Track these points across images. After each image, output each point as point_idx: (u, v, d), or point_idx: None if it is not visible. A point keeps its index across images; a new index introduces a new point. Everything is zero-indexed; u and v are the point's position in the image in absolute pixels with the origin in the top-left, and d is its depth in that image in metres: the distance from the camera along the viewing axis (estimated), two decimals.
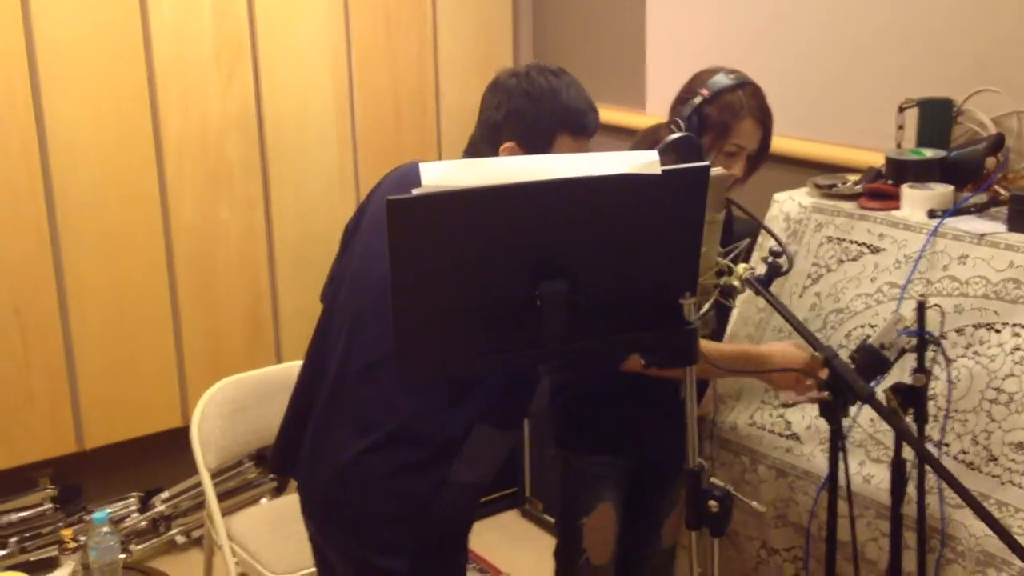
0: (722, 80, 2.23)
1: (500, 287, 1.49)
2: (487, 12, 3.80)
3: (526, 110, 2.02)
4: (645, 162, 1.43)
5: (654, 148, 2.09)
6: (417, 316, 1.48)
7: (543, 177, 1.42)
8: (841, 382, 1.65)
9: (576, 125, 2.04)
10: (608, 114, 3.54)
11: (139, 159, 3.19)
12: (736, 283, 1.72)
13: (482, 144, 2.08)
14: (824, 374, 1.74)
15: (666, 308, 1.55)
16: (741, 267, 1.71)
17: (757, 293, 1.71)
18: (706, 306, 1.73)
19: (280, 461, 2.20)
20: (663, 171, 1.45)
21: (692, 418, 1.63)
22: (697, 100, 2.22)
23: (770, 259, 1.76)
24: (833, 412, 1.70)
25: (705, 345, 2.15)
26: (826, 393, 1.70)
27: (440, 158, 3.76)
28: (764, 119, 2.25)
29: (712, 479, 1.65)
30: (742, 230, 2.52)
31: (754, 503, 1.69)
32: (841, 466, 2.00)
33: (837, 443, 1.72)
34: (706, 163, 1.51)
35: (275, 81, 3.38)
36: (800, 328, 1.69)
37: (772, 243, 2.04)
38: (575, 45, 3.80)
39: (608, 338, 1.55)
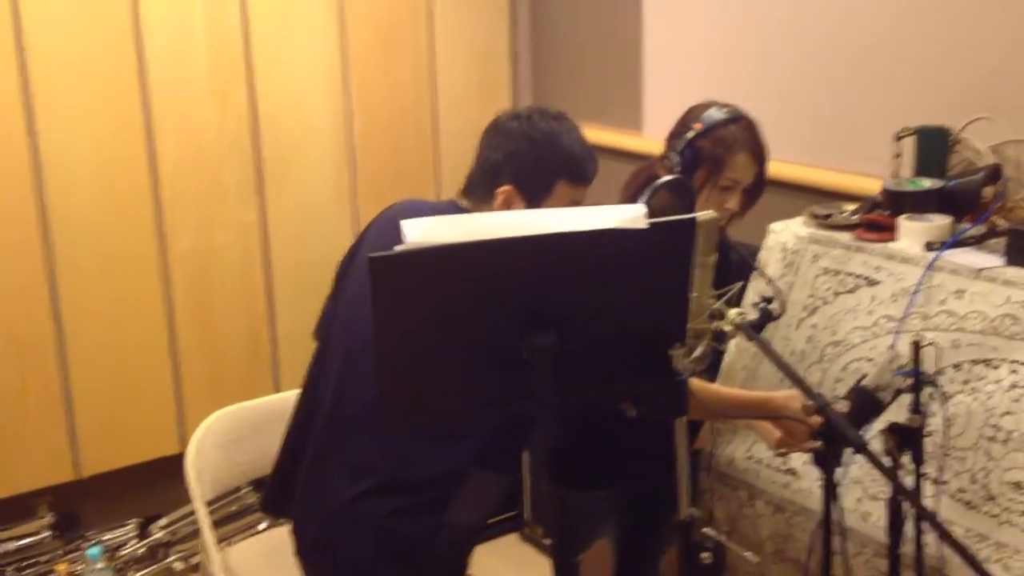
0: (715, 114, 2.22)
1: (487, 340, 1.48)
2: (484, 32, 3.79)
3: (526, 154, 2.02)
4: (631, 216, 1.42)
5: (648, 184, 2.10)
6: (402, 368, 1.47)
7: (528, 232, 1.41)
8: (834, 430, 1.64)
9: (575, 173, 2.04)
10: (605, 136, 3.56)
11: (135, 185, 3.18)
12: (728, 328, 1.70)
13: (480, 185, 2.07)
14: (816, 422, 1.72)
15: (656, 358, 1.54)
16: (733, 312, 1.69)
17: (749, 339, 1.70)
18: (698, 351, 1.71)
19: (272, 502, 2.19)
20: (650, 224, 1.43)
21: (683, 468, 1.62)
22: (690, 135, 2.21)
23: (761, 305, 1.74)
24: (826, 461, 1.68)
25: (703, 388, 2.14)
26: (819, 443, 1.69)
27: (439, 179, 3.76)
28: (758, 152, 2.24)
29: (704, 530, 1.63)
30: (739, 259, 2.51)
31: (747, 553, 1.68)
32: (836, 505, 1.99)
33: (830, 493, 1.71)
34: (692, 216, 1.50)
35: (271, 105, 3.37)
36: (792, 375, 1.67)
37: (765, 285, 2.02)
38: (573, 66, 3.79)
39: (597, 389, 1.54)
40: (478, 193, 2.07)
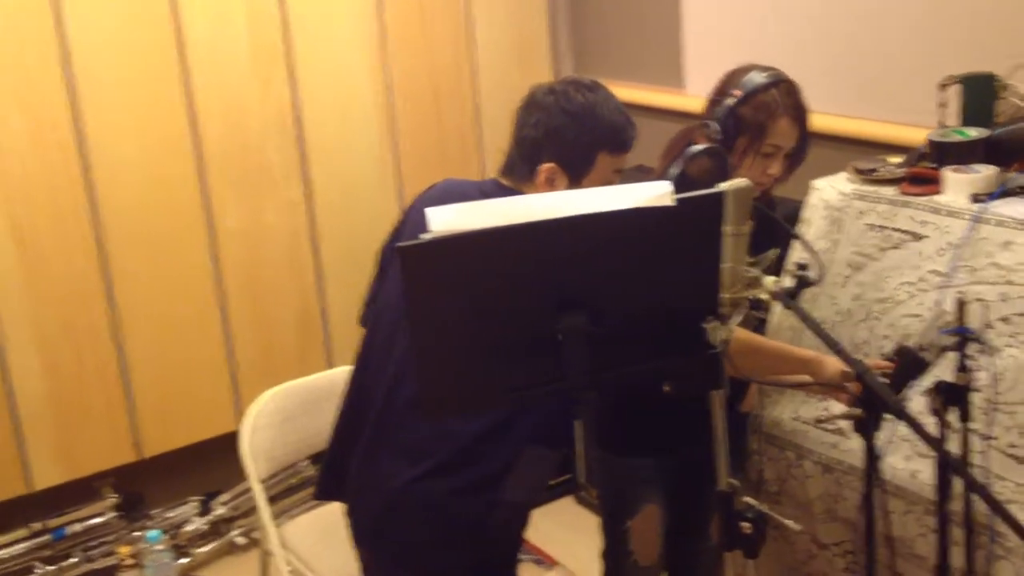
0: (755, 79, 2.18)
1: (519, 323, 1.48)
2: None
3: (566, 129, 1.99)
4: (658, 193, 1.41)
5: (686, 150, 2.08)
6: (438, 356, 1.48)
7: (555, 215, 1.40)
8: (874, 397, 1.62)
9: (616, 143, 2.02)
10: (646, 95, 3.53)
11: (181, 168, 3.23)
12: (765, 296, 1.69)
13: (520, 163, 2.05)
14: (856, 388, 1.71)
15: (689, 333, 1.53)
16: (769, 280, 1.68)
17: (786, 306, 1.68)
18: (735, 319, 1.70)
19: (327, 487, 2.21)
20: (676, 200, 1.42)
21: (721, 440, 1.61)
22: (731, 101, 2.17)
23: (798, 272, 1.72)
24: (866, 428, 1.66)
25: (751, 338, 2.12)
26: (859, 410, 1.67)
27: (482, 151, 3.76)
28: (800, 117, 2.20)
29: (746, 498, 1.63)
30: (786, 212, 2.48)
31: (788, 521, 1.67)
32: (884, 464, 1.98)
33: (872, 462, 1.69)
34: (719, 190, 1.48)
35: (312, 82, 3.39)
36: (830, 341, 1.65)
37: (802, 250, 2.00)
38: (611, 24, 3.75)
39: (632, 367, 1.54)
40: (519, 172, 2.04)
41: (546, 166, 2.00)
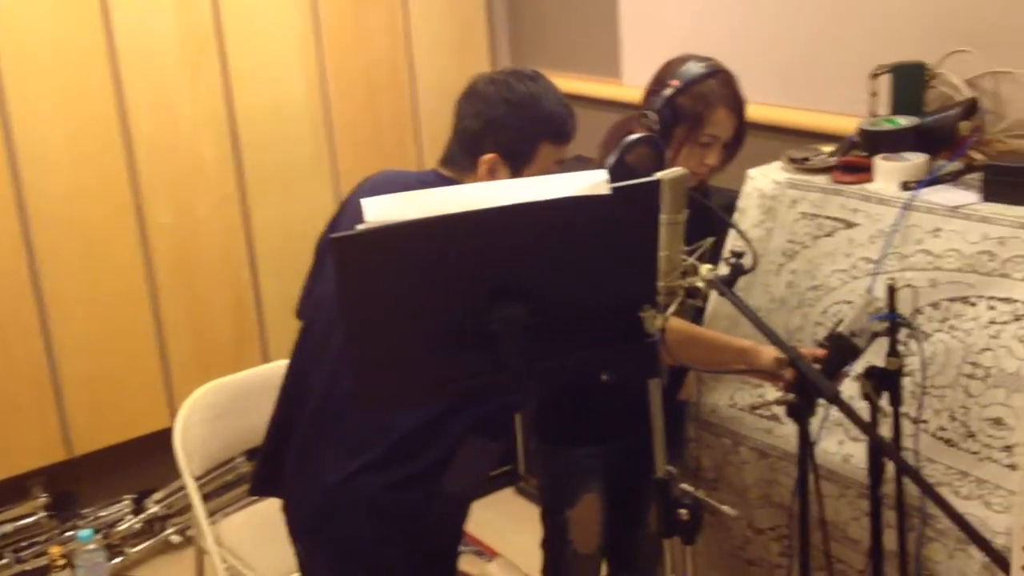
0: (693, 69, 2.19)
1: (456, 315, 1.47)
2: None
3: (507, 119, 1.99)
4: (594, 183, 1.41)
5: (623, 140, 2.08)
6: (373, 349, 1.46)
7: (490, 204, 1.39)
8: (807, 383, 1.64)
9: (558, 133, 2.02)
10: (585, 85, 3.53)
11: (111, 161, 3.16)
12: (700, 284, 1.70)
13: (460, 154, 2.04)
14: (790, 375, 1.73)
15: (626, 321, 1.53)
16: (704, 268, 1.69)
17: (721, 294, 1.69)
18: (671, 307, 1.71)
19: (263, 483, 2.19)
20: (612, 189, 1.42)
21: (659, 428, 1.62)
22: (668, 91, 2.18)
23: (733, 260, 1.74)
24: (800, 413, 1.68)
25: (688, 328, 2.14)
26: (791, 396, 1.69)
27: (419, 140, 3.74)
28: (737, 107, 2.22)
29: (682, 486, 1.64)
30: (723, 202, 2.50)
31: (725, 508, 1.69)
32: (821, 445, 2.00)
33: (805, 446, 1.71)
34: (655, 179, 1.48)
35: (244, 73, 3.34)
36: (764, 329, 1.67)
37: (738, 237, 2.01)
38: (549, 15, 3.75)
39: (570, 356, 1.54)
40: (460, 163, 2.03)
41: (487, 156, 1.99)
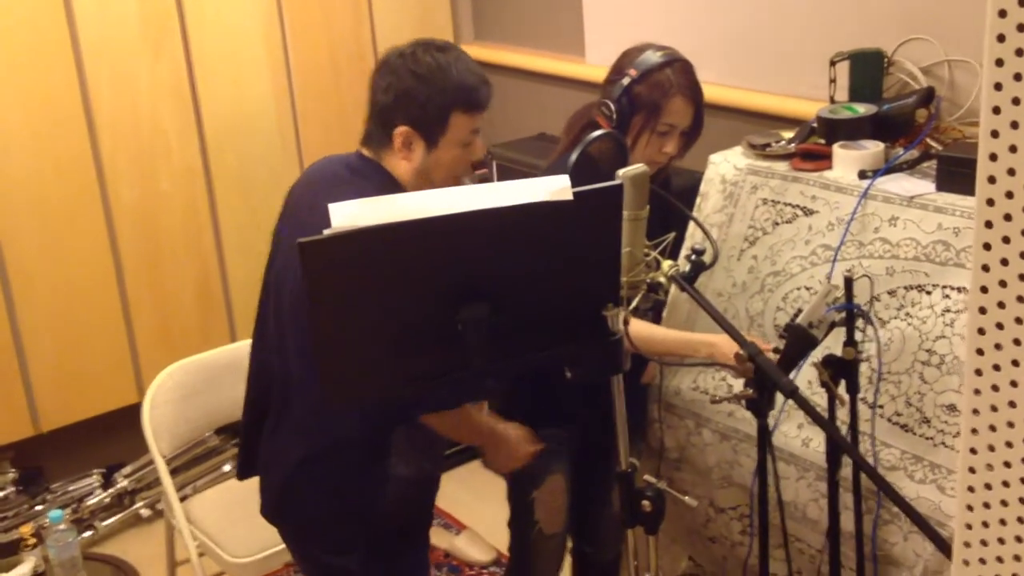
0: (650, 58, 2.21)
1: (421, 315, 1.50)
2: None
3: (415, 91, 1.96)
4: (557, 188, 1.44)
5: (585, 131, 2.10)
6: (339, 347, 1.49)
7: (455, 210, 1.42)
8: (765, 378, 1.68)
9: (470, 102, 1.99)
10: (549, 63, 3.54)
11: (73, 139, 3.15)
12: (662, 279, 1.73)
13: (377, 131, 2.02)
14: (748, 369, 1.77)
15: (590, 319, 1.57)
16: (666, 264, 1.73)
17: (682, 290, 1.73)
18: (635, 301, 1.75)
19: (244, 465, 2.22)
20: (575, 193, 1.45)
21: (622, 422, 1.66)
22: (626, 81, 2.20)
23: (693, 256, 1.77)
24: (759, 408, 1.73)
25: (646, 328, 2.18)
26: (750, 391, 1.73)
27: None
28: (695, 96, 2.24)
29: (645, 477, 1.68)
30: (681, 185, 2.53)
31: (686, 498, 1.73)
32: (781, 428, 2.05)
33: (764, 440, 1.76)
34: (617, 183, 1.51)
35: (206, 49, 3.33)
36: (723, 323, 1.71)
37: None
38: None
39: (533, 354, 1.57)
40: (378, 139, 2.02)
41: (400, 129, 1.97)
